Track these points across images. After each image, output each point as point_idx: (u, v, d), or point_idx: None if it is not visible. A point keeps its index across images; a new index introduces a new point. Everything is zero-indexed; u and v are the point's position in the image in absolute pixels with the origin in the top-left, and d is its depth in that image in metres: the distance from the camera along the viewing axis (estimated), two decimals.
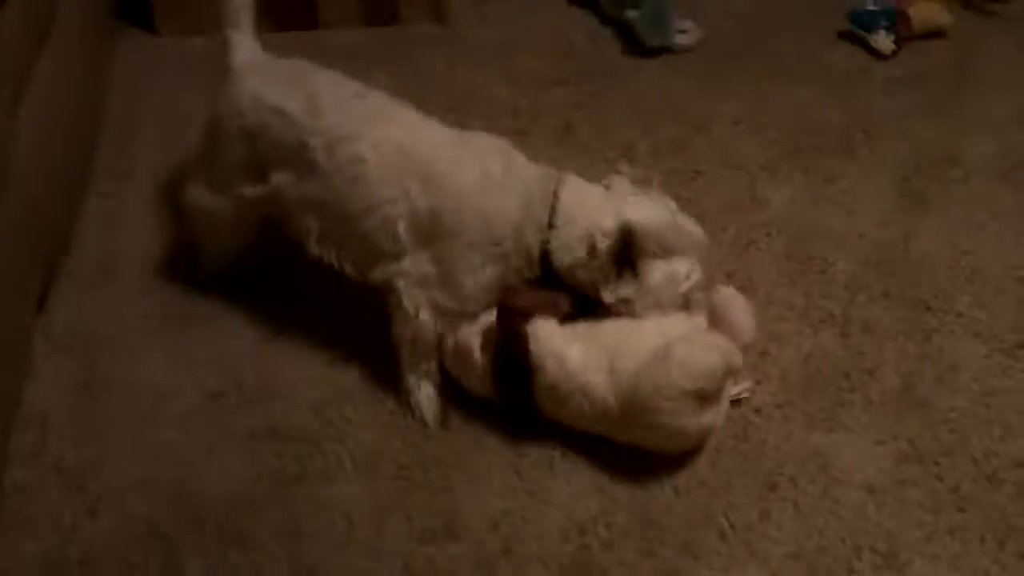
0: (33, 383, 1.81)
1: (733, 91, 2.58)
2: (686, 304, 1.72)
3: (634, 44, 2.72)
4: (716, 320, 1.74)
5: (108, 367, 1.86)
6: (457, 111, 2.41)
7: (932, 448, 1.74)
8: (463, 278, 1.69)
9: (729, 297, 1.82)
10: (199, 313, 1.96)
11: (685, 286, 1.71)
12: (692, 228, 1.76)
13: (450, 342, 1.75)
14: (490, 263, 1.69)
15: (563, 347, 1.64)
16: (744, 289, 1.95)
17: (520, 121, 2.46)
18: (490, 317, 1.71)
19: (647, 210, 1.71)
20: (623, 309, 1.70)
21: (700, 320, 1.73)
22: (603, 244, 1.67)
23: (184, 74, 2.60)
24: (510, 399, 1.72)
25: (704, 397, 1.62)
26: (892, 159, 2.37)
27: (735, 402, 1.77)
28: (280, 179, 1.76)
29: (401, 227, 1.69)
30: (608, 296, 1.69)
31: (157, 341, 1.91)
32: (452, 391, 1.80)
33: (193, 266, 2.02)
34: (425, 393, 1.78)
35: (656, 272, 1.69)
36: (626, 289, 1.69)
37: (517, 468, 1.71)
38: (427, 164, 1.70)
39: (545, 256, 1.69)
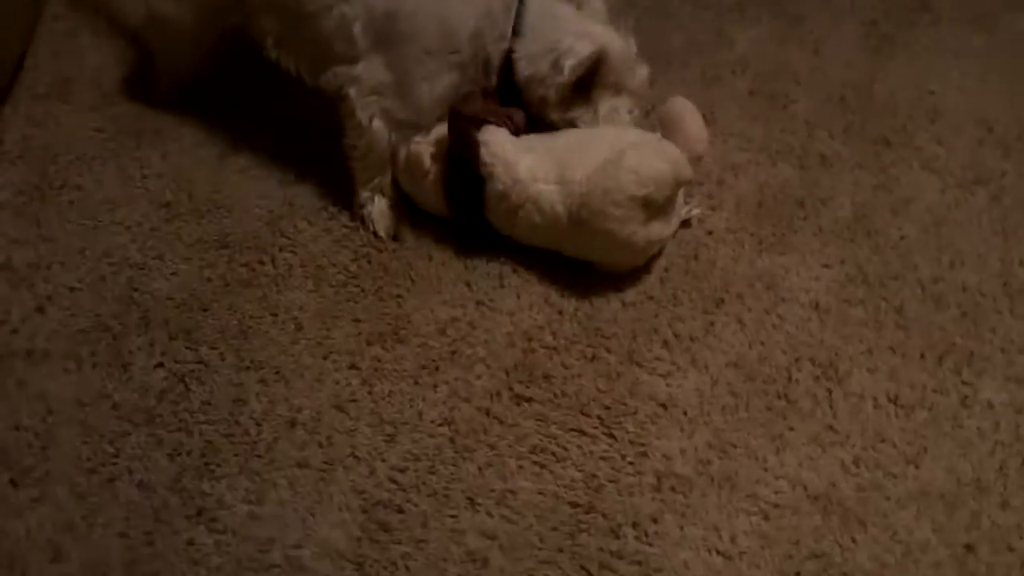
0: None
1: None
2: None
3: None
4: (668, 130, 1.73)
5: (59, 175, 1.85)
6: None
7: (880, 272, 1.75)
8: (418, 86, 1.67)
9: (680, 106, 1.80)
10: (152, 129, 1.95)
11: (625, 123, 1.72)
12: (643, 72, 1.76)
13: (402, 154, 1.73)
14: (446, 71, 1.67)
15: (514, 155, 1.63)
16: (706, 122, 1.94)
17: None
18: (443, 129, 1.69)
19: (618, 43, 1.69)
20: (565, 123, 1.70)
21: (654, 135, 1.72)
22: (569, 63, 1.64)
23: None
24: (461, 211, 1.71)
25: (653, 205, 1.61)
26: (862, 3, 2.33)
27: (686, 223, 1.77)
28: None
29: (356, 28, 1.66)
30: (555, 114, 1.68)
31: (110, 154, 1.90)
32: (405, 207, 1.80)
33: (151, 85, 1.98)
34: (378, 207, 1.77)
35: (604, 106, 1.69)
36: (575, 112, 1.69)
37: (467, 280, 1.71)
38: None
39: (506, 66, 1.67)
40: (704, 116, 1.96)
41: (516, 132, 1.69)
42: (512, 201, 1.65)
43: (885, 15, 2.30)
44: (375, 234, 1.77)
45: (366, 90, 1.69)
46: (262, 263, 1.73)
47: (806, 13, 2.29)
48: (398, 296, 1.69)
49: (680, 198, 1.72)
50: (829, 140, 1.99)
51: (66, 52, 2.10)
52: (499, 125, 1.66)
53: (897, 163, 1.95)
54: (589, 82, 1.69)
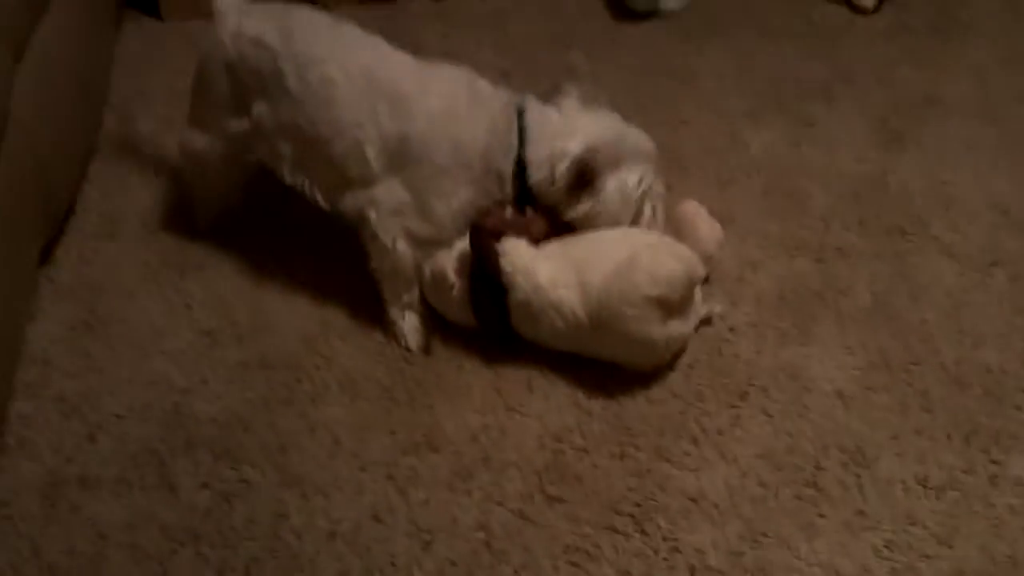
0: (37, 324, 1.90)
1: (718, 49, 2.64)
2: (641, 209, 1.78)
3: (623, 10, 2.79)
4: (680, 233, 1.79)
5: (107, 309, 1.94)
6: None
7: (902, 357, 1.78)
8: (435, 204, 1.75)
9: (691, 209, 1.87)
10: (195, 261, 2.04)
11: (638, 192, 1.78)
12: (639, 137, 1.83)
13: (427, 270, 1.81)
14: (461, 187, 1.75)
15: (533, 264, 1.70)
16: (723, 223, 2.00)
17: (510, 83, 2.52)
18: (464, 243, 1.76)
19: (595, 130, 1.77)
20: (585, 224, 1.76)
21: (668, 238, 1.79)
22: (560, 167, 1.73)
23: (187, 53, 2.66)
24: (487, 321, 1.78)
25: (669, 305, 1.67)
26: (872, 103, 2.41)
27: (707, 320, 1.82)
28: (259, 109, 1.84)
29: (370, 151, 1.75)
30: (570, 213, 1.76)
31: (155, 286, 1.99)
32: (434, 319, 1.86)
33: (192, 218, 2.10)
34: (408, 323, 1.84)
35: (610, 185, 1.76)
36: (584, 206, 1.76)
37: (496, 387, 1.76)
38: (395, 88, 1.77)
39: (519, 174, 1.75)
40: (721, 216, 2.04)
41: (536, 240, 1.76)
42: (534, 308, 1.71)
43: (895, 112, 2.37)
44: (407, 348, 1.83)
45: (386, 212, 1.77)
46: (300, 381, 1.80)
47: (817, 115, 2.38)
48: (430, 406, 1.74)
49: (699, 296, 1.77)
50: (845, 233, 2.04)
51: (114, 192, 2.23)
52: (518, 236, 1.73)
53: (914, 251, 1.99)
54: (591, 174, 1.76)
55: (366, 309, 1.91)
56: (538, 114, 1.78)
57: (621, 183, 1.77)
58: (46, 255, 2.02)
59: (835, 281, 1.93)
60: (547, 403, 1.73)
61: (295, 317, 1.92)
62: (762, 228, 2.06)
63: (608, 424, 1.69)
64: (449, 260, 1.78)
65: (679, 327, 1.71)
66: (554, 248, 1.75)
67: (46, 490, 1.64)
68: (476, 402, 1.75)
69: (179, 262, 2.05)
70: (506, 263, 1.69)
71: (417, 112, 1.74)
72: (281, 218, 2.11)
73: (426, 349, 1.84)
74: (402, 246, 1.78)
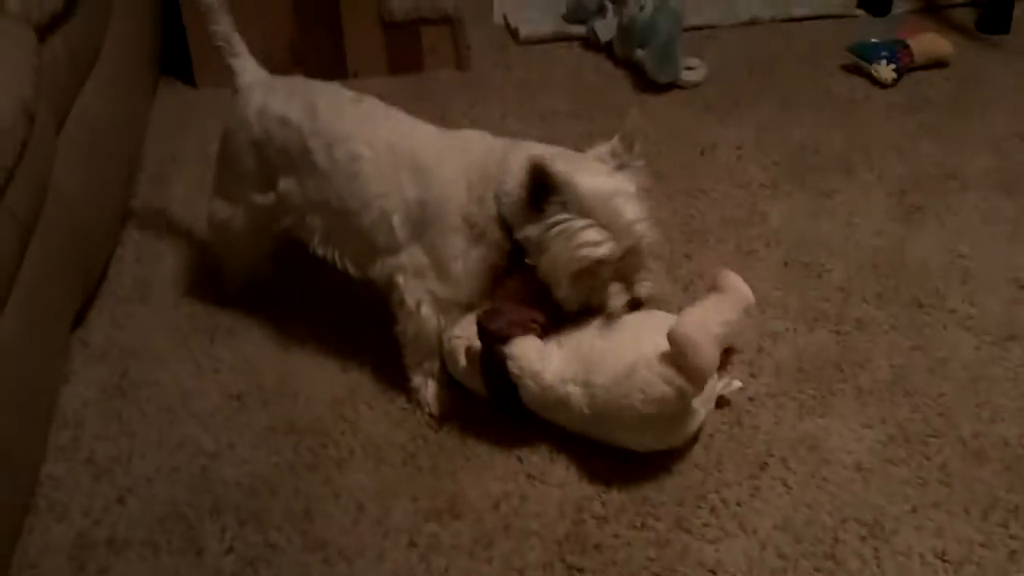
0: (70, 386, 1.95)
1: (738, 120, 2.70)
2: (638, 247, 1.71)
3: (645, 81, 2.86)
4: (676, 355, 1.70)
5: (139, 372, 1.98)
6: None
7: (920, 430, 1.80)
8: (452, 264, 1.78)
9: (687, 331, 1.72)
10: (224, 325, 2.09)
11: (585, 251, 1.66)
12: (631, 213, 1.68)
13: (446, 346, 1.84)
14: (473, 246, 1.78)
15: (540, 364, 1.71)
16: None
17: None
18: (474, 329, 1.76)
19: (588, 172, 1.69)
20: (530, 250, 1.72)
21: (666, 317, 1.76)
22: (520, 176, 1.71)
23: (219, 119, 2.74)
24: (504, 405, 1.80)
25: (663, 417, 1.69)
26: (890, 175, 2.45)
27: (725, 401, 1.84)
28: (286, 184, 1.90)
29: (395, 220, 1.80)
30: (519, 233, 1.72)
31: (185, 350, 2.04)
32: (456, 387, 1.90)
33: (221, 281, 2.15)
34: (431, 390, 1.88)
35: (558, 218, 1.67)
36: (531, 229, 1.70)
37: (518, 454, 1.79)
38: (416, 158, 1.81)
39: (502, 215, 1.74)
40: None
41: (544, 330, 1.77)
42: (546, 403, 1.74)
43: (913, 185, 2.41)
44: (429, 415, 1.87)
45: (411, 275, 1.82)
46: (325, 446, 1.83)
47: (836, 187, 2.42)
48: (453, 473, 1.77)
49: (712, 380, 1.77)
50: (864, 305, 2.07)
51: (147, 256, 2.28)
52: (524, 334, 1.73)
53: (932, 324, 2.02)
54: (549, 179, 1.69)
55: (391, 375, 1.94)
56: (524, 151, 1.74)
57: (570, 226, 1.66)
58: (79, 318, 2.07)
59: (854, 353, 1.96)
60: (568, 472, 1.75)
61: (321, 382, 1.95)
62: (782, 299, 2.09)
63: (628, 494, 1.71)
64: (459, 342, 1.80)
65: (679, 435, 1.73)
66: (564, 340, 1.75)
67: (74, 552, 1.67)
68: (498, 469, 1.77)
69: (209, 326, 2.09)
70: (513, 366, 1.71)
71: (433, 180, 1.79)
72: (308, 284, 2.16)
73: (448, 416, 1.86)
74: (426, 310, 1.82)
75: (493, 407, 1.83)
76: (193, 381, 1.97)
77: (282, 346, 2.04)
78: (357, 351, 2.01)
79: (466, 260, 1.78)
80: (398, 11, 2.88)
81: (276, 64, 2.90)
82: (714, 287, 1.85)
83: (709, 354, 1.69)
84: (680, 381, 1.66)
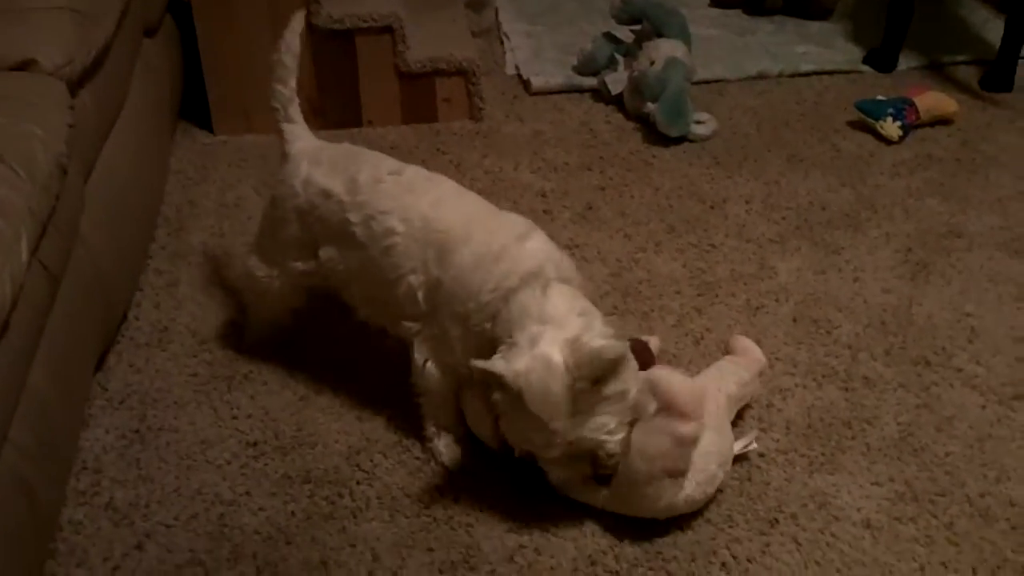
0: (89, 431, 1.98)
1: (746, 175, 2.75)
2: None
3: (655, 135, 2.91)
4: (660, 403, 1.75)
5: (157, 418, 2.01)
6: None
7: (928, 488, 1.83)
8: (454, 343, 1.83)
9: (661, 376, 1.78)
10: (242, 373, 2.12)
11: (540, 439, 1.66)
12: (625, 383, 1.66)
13: (469, 406, 1.86)
14: (472, 336, 1.79)
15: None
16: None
17: (546, 202, 2.64)
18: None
19: (577, 325, 1.66)
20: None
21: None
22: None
23: (236, 167, 2.83)
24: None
25: (672, 472, 1.72)
26: (897, 233, 2.50)
27: (741, 456, 1.86)
28: (328, 253, 1.95)
29: (420, 294, 1.84)
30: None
31: (203, 397, 2.07)
32: (472, 441, 1.93)
33: (244, 332, 2.19)
34: (444, 441, 1.91)
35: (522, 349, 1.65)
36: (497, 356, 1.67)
37: (532, 507, 1.82)
38: (444, 236, 1.83)
39: None
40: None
41: None
42: (570, 488, 1.78)
43: (920, 243, 2.45)
44: (442, 465, 1.89)
45: (422, 340, 1.87)
46: (341, 496, 1.85)
47: (843, 243, 2.46)
48: (469, 525, 1.79)
49: (731, 439, 1.81)
50: (872, 362, 2.10)
51: (165, 303, 2.32)
52: None
53: (939, 382, 2.05)
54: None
55: (407, 425, 1.97)
56: (531, 299, 1.71)
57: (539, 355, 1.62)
58: (99, 362, 2.11)
59: (862, 410, 1.99)
60: (582, 525, 1.78)
61: (338, 431, 1.98)
62: (791, 355, 2.12)
63: (641, 548, 1.74)
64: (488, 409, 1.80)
65: (696, 489, 1.74)
66: None
67: None
68: (512, 522, 1.79)
69: (226, 374, 2.12)
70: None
71: (452, 263, 1.80)
72: (325, 333, 2.20)
73: (461, 465, 1.89)
74: (431, 368, 1.86)
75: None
76: (211, 429, 2.00)
77: (299, 395, 2.07)
78: (373, 401, 2.04)
79: (466, 342, 1.79)
80: (414, 63, 2.94)
81: None
82: (728, 351, 1.89)
83: (684, 387, 1.73)
84: (669, 426, 1.69)
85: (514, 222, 1.87)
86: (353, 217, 1.90)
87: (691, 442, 1.72)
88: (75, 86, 1.92)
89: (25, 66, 1.84)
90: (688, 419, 1.71)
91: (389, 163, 1.99)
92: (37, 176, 1.59)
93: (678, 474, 1.73)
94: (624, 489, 1.73)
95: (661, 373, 1.77)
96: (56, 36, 1.92)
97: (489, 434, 1.84)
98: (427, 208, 1.88)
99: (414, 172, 1.98)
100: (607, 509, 1.79)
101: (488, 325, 1.75)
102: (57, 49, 1.88)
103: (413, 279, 1.84)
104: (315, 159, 2.01)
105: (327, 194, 1.94)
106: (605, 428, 1.66)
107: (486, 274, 1.77)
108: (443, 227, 1.85)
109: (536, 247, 1.81)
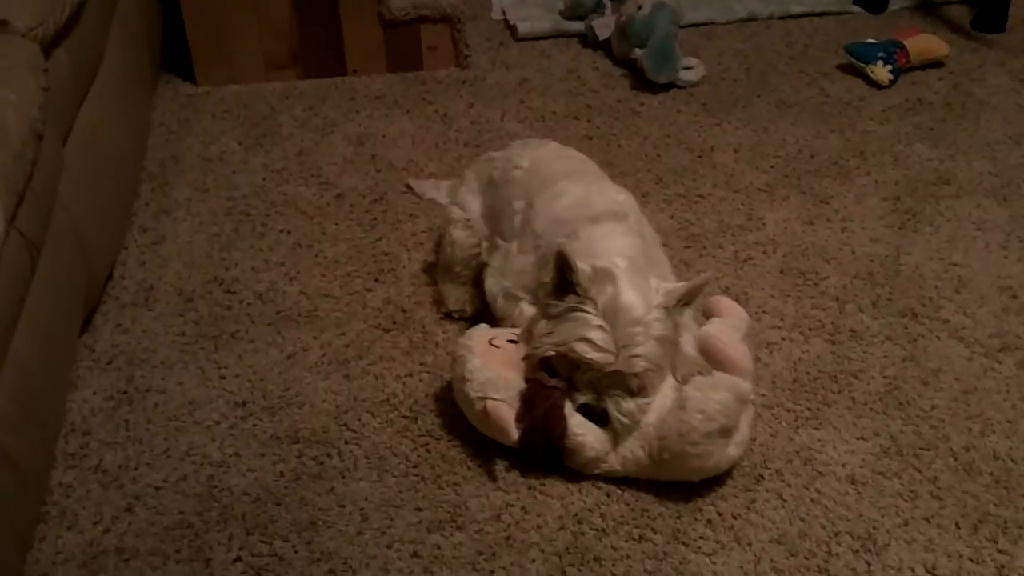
0: (77, 393, 1.98)
1: (735, 122, 2.72)
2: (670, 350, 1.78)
3: (643, 81, 2.88)
4: (714, 362, 1.78)
5: (145, 379, 2.01)
6: (473, 146, 2.59)
7: (913, 443, 1.84)
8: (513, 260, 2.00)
9: (715, 335, 1.81)
10: (228, 332, 2.12)
11: (584, 346, 1.71)
12: (640, 348, 1.71)
13: (476, 407, 1.81)
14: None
15: (600, 447, 1.76)
16: (739, 301, 2.06)
17: None
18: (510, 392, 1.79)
19: (635, 289, 1.73)
20: (542, 315, 1.80)
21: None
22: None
23: (220, 119, 2.80)
24: (538, 461, 1.81)
25: (726, 432, 1.72)
26: (886, 181, 2.48)
27: None
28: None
29: (517, 219, 2.01)
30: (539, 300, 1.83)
31: (190, 357, 2.07)
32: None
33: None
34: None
35: (581, 307, 1.73)
36: (552, 303, 1.77)
37: (518, 465, 1.82)
38: (551, 179, 2.01)
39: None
40: (737, 294, 2.11)
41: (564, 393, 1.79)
42: (599, 459, 1.77)
43: (908, 191, 2.44)
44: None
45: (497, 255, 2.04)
46: (330, 456, 1.86)
47: (832, 192, 2.44)
48: (456, 484, 1.80)
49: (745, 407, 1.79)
50: (859, 314, 2.10)
51: (151, 261, 2.31)
52: (562, 409, 1.75)
53: (925, 335, 2.05)
54: (567, 266, 1.76)
55: (394, 384, 1.98)
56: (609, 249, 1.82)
57: (584, 317, 1.72)
58: (85, 322, 2.10)
59: (848, 364, 1.99)
60: (568, 484, 1.79)
61: (325, 391, 1.98)
62: (778, 308, 2.12)
63: (627, 505, 1.75)
64: (507, 408, 1.78)
65: (736, 449, 1.75)
66: None
67: (86, 560, 1.70)
68: (499, 480, 1.81)
69: (213, 333, 2.12)
70: (575, 424, 1.74)
71: (541, 208, 1.96)
72: (312, 290, 2.19)
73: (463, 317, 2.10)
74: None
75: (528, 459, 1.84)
76: (198, 389, 2.00)
77: (286, 353, 2.07)
78: (360, 359, 2.04)
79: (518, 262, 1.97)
80: (397, 9, 2.89)
81: (274, 61, 2.95)
82: (709, 313, 1.87)
83: (740, 346, 1.77)
84: (730, 380, 1.72)
85: (617, 194, 2.01)
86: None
87: (748, 399, 1.74)
88: (49, 46, 1.89)
89: None
90: (746, 376, 1.73)
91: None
92: (11, 144, 1.56)
93: (731, 433, 1.73)
94: (676, 449, 1.71)
95: (717, 332, 1.78)
96: None
97: (510, 432, 1.79)
98: (549, 154, 2.14)
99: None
100: (639, 476, 1.77)
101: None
102: (29, 9, 1.84)
103: (517, 204, 2.02)
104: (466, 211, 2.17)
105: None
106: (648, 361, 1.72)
107: (571, 219, 1.91)
108: (552, 172, 2.05)
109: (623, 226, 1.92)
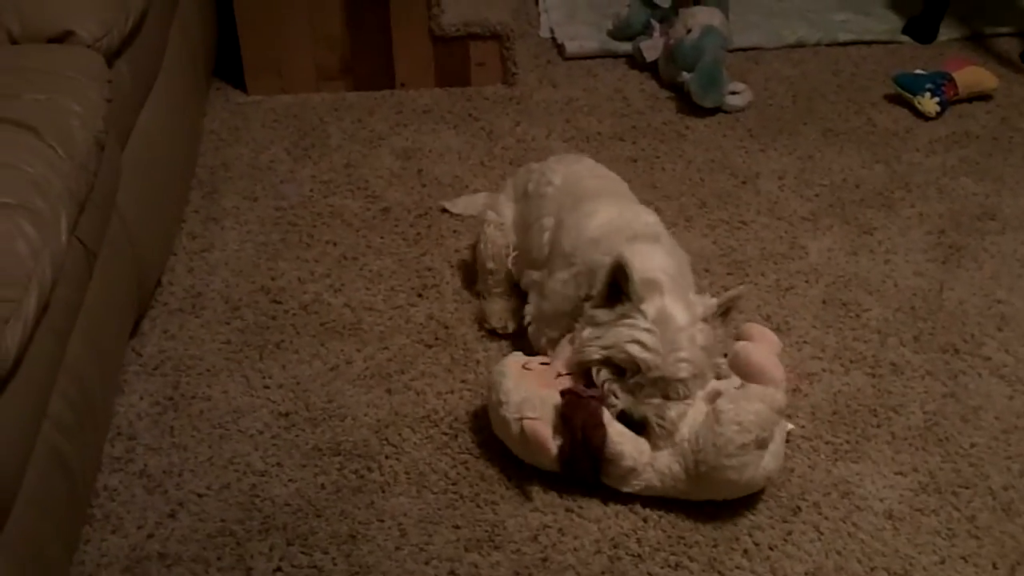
0: (124, 397, 2.01)
1: (780, 149, 2.73)
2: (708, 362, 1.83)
3: (689, 105, 2.89)
4: (747, 374, 1.82)
5: (190, 386, 2.05)
6: (518, 163, 2.60)
7: (951, 480, 1.84)
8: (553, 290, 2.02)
9: (750, 350, 1.86)
10: (273, 342, 2.15)
11: (635, 347, 1.76)
12: (686, 352, 1.77)
13: (514, 428, 1.83)
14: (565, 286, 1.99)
15: (638, 457, 1.77)
16: (780, 331, 2.08)
17: None
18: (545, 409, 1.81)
19: (679, 300, 1.79)
20: (588, 324, 1.84)
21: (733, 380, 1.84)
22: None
23: (269, 128, 2.84)
24: (577, 477, 1.83)
25: (761, 443, 1.73)
26: (930, 214, 2.48)
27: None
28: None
29: (545, 237, 2.07)
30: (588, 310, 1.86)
31: (235, 365, 2.10)
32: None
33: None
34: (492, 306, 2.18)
35: (632, 312, 1.78)
36: (600, 312, 1.82)
37: (557, 486, 1.84)
38: (581, 197, 2.06)
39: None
40: (778, 324, 2.12)
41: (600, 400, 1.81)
42: (637, 471, 1.79)
43: (953, 225, 2.44)
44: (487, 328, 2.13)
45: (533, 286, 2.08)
46: (370, 469, 1.88)
47: (876, 223, 2.44)
48: (494, 503, 1.82)
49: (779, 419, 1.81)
50: (900, 348, 2.10)
51: (199, 268, 2.34)
52: (601, 422, 1.77)
53: (967, 371, 2.05)
54: (622, 278, 1.81)
55: (435, 400, 2.00)
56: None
57: (632, 323, 1.78)
58: (134, 328, 2.14)
59: (888, 398, 1.99)
60: (606, 507, 1.80)
61: (367, 404, 2.01)
62: (819, 339, 2.13)
63: (664, 532, 1.76)
64: (542, 425, 1.79)
65: (771, 461, 1.76)
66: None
67: (130, 565, 1.74)
68: (537, 500, 1.82)
69: (259, 342, 2.15)
70: (614, 432, 1.76)
71: (572, 226, 2.00)
72: (357, 303, 2.22)
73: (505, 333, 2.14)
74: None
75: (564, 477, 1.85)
76: (243, 398, 2.03)
77: (329, 365, 2.10)
78: (402, 373, 2.06)
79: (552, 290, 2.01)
80: (448, 25, 2.92)
81: (325, 72, 2.98)
82: (742, 338, 1.89)
83: (772, 357, 1.82)
84: (763, 391, 1.74)
85: (648, 216, 2.05)
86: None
87: (784, 411, 1.76)
88: (113, 57, 1.93)
89: (63, 38, 1.85)
90: (778, 386, 1.76)
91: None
92: (76, 155, 1.60)
93: (766, 444, 1.74)
94: (712, 462, 1.72)
95: (751, 345, 1.85)
96: (93, 6, 1.92)
97: (549, 447, 1.81)
98: (582, 170, 2.20)
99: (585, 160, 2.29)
100: (676, 494, 1.78)
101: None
102: (95, 20, 1.88)
103: (546, 222, 2.09)
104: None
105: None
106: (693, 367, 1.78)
107: (609, 238, 1.95)
108: (583, 191, 2.10)
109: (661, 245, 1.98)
